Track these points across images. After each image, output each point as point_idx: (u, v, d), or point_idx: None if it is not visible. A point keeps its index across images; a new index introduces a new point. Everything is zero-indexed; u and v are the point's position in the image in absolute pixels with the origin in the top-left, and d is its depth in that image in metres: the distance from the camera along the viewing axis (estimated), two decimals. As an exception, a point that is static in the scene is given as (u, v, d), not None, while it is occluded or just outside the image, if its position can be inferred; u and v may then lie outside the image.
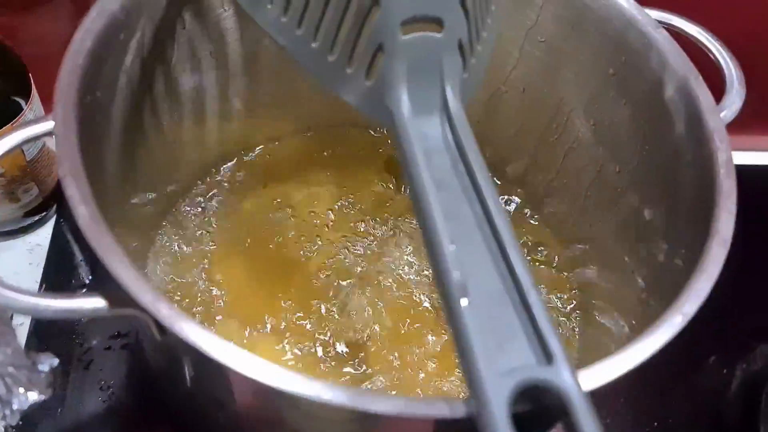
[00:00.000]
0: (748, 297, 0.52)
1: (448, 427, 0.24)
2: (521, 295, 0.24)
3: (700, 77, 0.33)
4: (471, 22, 0.29)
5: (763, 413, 0.46)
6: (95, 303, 0.25)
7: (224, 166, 0.45)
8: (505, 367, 0.22)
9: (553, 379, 0.22)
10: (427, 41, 0.27)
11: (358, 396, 0.22)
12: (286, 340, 0.39)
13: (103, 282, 0.25)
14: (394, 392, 0.38)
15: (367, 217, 0.45)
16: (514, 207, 0.48)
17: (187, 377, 0.31)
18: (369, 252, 0.44)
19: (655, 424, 0.46)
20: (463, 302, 0.23)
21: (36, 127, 0.27)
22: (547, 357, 0.22)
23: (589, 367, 0.24)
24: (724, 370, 0.49)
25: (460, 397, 0.22)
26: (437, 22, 0.27)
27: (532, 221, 0.47)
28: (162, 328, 0.25)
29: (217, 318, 0.40)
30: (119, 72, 0.32)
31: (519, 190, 0.48)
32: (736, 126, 0.34)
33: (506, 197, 0.48)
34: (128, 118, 0.34)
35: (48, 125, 0.27)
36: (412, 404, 0.22)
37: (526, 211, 0.48)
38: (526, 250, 0.46)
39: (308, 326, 0.40)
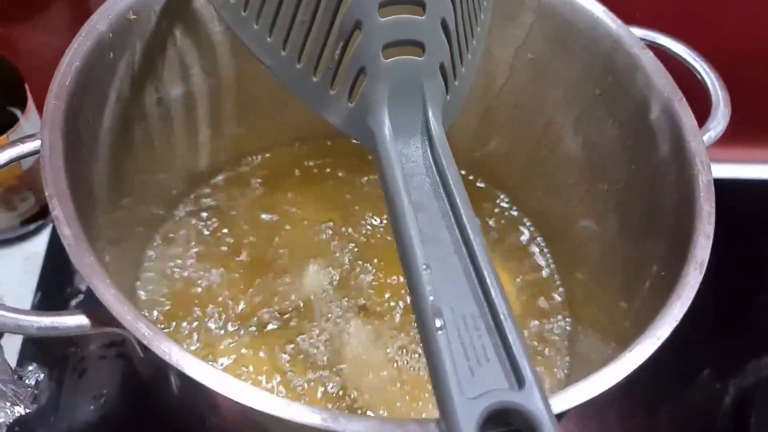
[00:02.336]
0: (743, 311, 0.53)
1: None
2: (496, 320, 0.24)
3: (684, 99, 0.33)
4: (453, 45, 0.29)
5: (753, 428, 0.46)
6: (79, 321, 0.25)
7: (216, 178, 0.46)
8: (476, 391, 0.22)
9: (523, 403, 0.22)
10: (409, 65, 0.28)
11: (330, 417, 0.23)
12: (266, 347, 0.40)
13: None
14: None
15: (364, 226, 0.46)
16: (509, 219, 0.48)
17: (172, 390, 0.31)
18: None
19: (646, 437, 0.47)
20: (437, 325, 0.23)
21: (23, 147, 0.28)
22: (519, 382, 0.23)
23: (558, 393, 0.24)
24: (717, 385, 0.49)
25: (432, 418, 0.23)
26: (419, 46, 0.28)
27: (525, 233, 0.47)
28: (144, 347, 0.26)
29: (210, 327, 0.41)
30: (108, 90, 0.33)
31: (514, 203, 0.48)
32: (722, 140, 0.34)
33: (500, 209, 0.48)
34: (118, 134, 0.34)
35: (35, 145, 0.28)
36: (384, 426, 0.23)
37: (519, 225, 0.48)
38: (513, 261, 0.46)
39: (299, 339, 0.41)
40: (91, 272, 0.24)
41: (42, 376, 0.28)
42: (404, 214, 0.26)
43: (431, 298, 0.24)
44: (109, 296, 0.24)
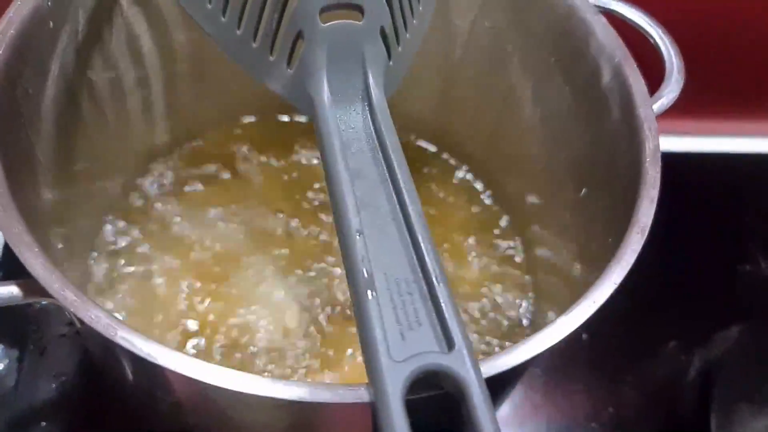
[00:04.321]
0: (709, 284, 0.52)
1: (355, 412, 0.24)
2: (429, 284, 0.24)
3: (635, 64, 0.33)
4: (395, 10, 0.28)
5: (715, 399, 0.46)
6: (10, 290, 0.25)
7: (172, 153, 0.45)
8: (405, 354, 0.22)
9: (452, 365, 0.22)
10: (348, 29, 0.27)
11: (260, 383, 0.22)
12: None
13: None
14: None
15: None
16: (472, 187, 0.48)
17: (119, 364, 0.31)
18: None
19: (610, 410, 0.46)
20: (368, 291, 0.23)
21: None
22: (449, 345, 0.22)
23: (488, 358, 0.24)
24: (683, 356, 0.49)
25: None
26: (358, 10, 0.27)
27: (488, 202, 0.47)
28: (78, 318, 0.25)
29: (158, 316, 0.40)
30: (50, 61, 0.32)
31: (477, 173, 0.48)
32: (676, 110, 0.34)
33: (465, 178, 0.48)
34: (64, 108, 0.34)
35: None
36: (314, 391, 0.23)
37: (484, 192, 0.48)
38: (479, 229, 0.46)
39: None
40: (17, 241, 0.24)
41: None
42: (340, 182, 0.26)
43: (364, 264, 0.24)
44: (36, 265, 0.24)
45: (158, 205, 0.43)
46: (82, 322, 0.26)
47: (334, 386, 0.23)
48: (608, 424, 0.46)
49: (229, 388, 0.22)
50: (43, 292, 0.24)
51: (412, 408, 0.21)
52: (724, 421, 0.44)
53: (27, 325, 0.45)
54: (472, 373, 0.22)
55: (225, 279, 0.41)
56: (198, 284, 0.41)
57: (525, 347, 0.24)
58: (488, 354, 0.37)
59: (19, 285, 0.25)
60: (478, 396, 0.21)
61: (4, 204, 0.25)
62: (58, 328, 0.45)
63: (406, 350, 0.22)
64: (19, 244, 0.24)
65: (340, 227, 0.25)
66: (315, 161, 0.47)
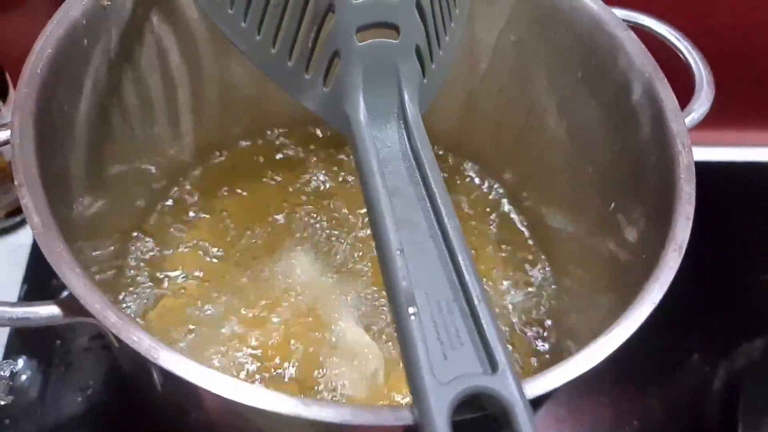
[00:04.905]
0: (732, 295, 0.52)
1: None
2: (470, 304, 0.24)
3: (665, 80, 0.33)
4: (429, 27, 0.29)
5: (741, 412, 0.46)
6: (50, 311, 0.25)
7: (199, 167, 0.45)
8: (449, 375, 0.22)
9: (496, 387, 0.22)
10: (383, 47, 0.28)
11: (302, 405, 0.22)
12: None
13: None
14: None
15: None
16: (493, 200, 0.48)
17: (152, 381, 0.31)
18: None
19: (635, 422, 0.46)
20: (410, 310, 0.23)
21: (-7, 136, 0.27)
22: (492, 366, 0.22)
23: (531, 379, 0.24)
24: (707, 369, 0.49)
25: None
26: (393, 28, 0.28)
27: (511, 215, 0.47)
28: (117, 337, 0.25)
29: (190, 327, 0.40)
30: (84, 77, 0.32)
31: (499, 185, 0.48)
32: (703, 121, 0.34)
33: (487, 190, 0.48)
34: (96, 123, 0.34)
35: (5, 135, 0.27)
36: (356, 413, 0.22)
37: (506, 206, 0.48)
38: (502, 245, 0.46)
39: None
40: (59, 261, 0.24)
41: (16, 367, 0.27)
42: (378, 200, 0.26)
43: (404, 282, 0.24)
44: (78, 285, 0.24)
45: (185, 219, 0.44)
46: (121, 342, 0.26)
47: (377, 408, 0.23)
48: (634, 436, 0.46)
49: (275, 410, 0.22)
50: (84, 312, 0.24)
51: (454, 430, 0.21)
52: (751, 434, 0.44)
53: (53, 340, 0.45)
54: (517, 395, 0.22)
55: (256, 300, 0.41)
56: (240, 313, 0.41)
57: (568, 366, 0.24)
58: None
59: (59, 305, 0.25)
60: (523, 418, 0.21)
61: (45, 222, 0.25)
62: (83, 342, 0.45)
63: (449, 371, 0.22)
64: (61, 264, 0.24)
65: (380, 246, 0.25)
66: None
